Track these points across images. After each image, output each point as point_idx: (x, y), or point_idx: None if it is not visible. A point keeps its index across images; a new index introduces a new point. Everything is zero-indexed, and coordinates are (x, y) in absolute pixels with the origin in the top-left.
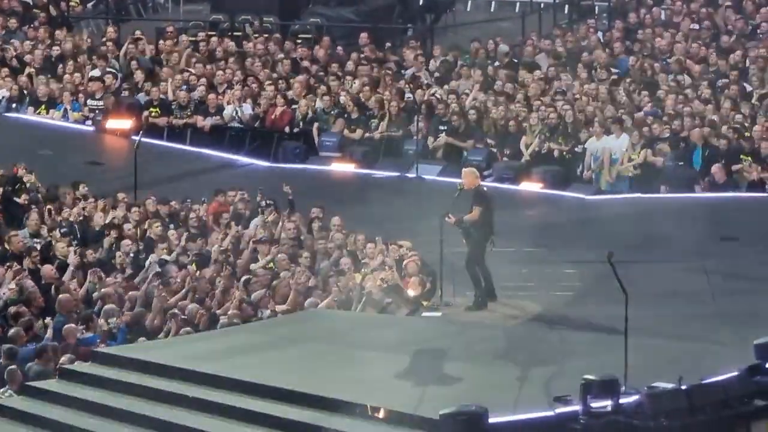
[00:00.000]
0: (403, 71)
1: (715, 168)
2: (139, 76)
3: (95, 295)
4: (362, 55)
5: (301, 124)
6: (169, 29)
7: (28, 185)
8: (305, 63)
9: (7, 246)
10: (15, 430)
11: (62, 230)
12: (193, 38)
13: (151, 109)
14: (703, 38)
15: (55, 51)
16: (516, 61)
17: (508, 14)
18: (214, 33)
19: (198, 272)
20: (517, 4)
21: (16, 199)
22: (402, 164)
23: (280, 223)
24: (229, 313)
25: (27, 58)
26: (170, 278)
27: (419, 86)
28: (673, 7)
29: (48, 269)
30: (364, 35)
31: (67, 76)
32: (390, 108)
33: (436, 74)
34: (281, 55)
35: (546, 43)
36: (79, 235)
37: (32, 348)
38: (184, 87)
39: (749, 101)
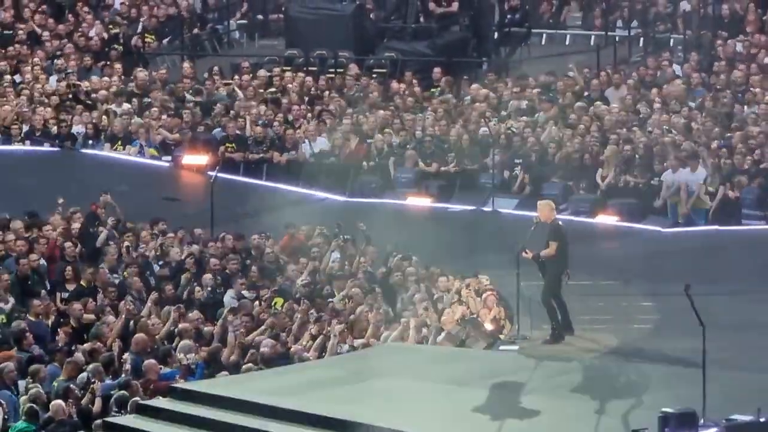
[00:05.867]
0: (478, 104)
1: None
2: (216, 111)
3: (174, 330)
4: (437, 89)
5: (376, 158)
6: (245, 65)
7: (109, 222)
8: (380, 97)
9: (83, 283)
10: None
11: (140, 266)
12: (269, 73)
13: (227, 145)
14: None
15: (131, 87)
16: (591, 94)
17: (582, 47)
18: (289, 68)
19: (275, 307)
20: (592, 37)
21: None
22: (478, 198)
23: (357, 258)
24: (301, 346)
25: (102, 94)
26: (247, 314)
27: (495, 120)
28: (751, 40)
29: (125, 305)
30: (438, 69)
31: (143, 112)
32: (463, 141)
33: (512, 107)
34: (356, 90)
35: (621, 77)
36: (156, 271)
37: (114, 383)
38: (260, 122)
39: None
